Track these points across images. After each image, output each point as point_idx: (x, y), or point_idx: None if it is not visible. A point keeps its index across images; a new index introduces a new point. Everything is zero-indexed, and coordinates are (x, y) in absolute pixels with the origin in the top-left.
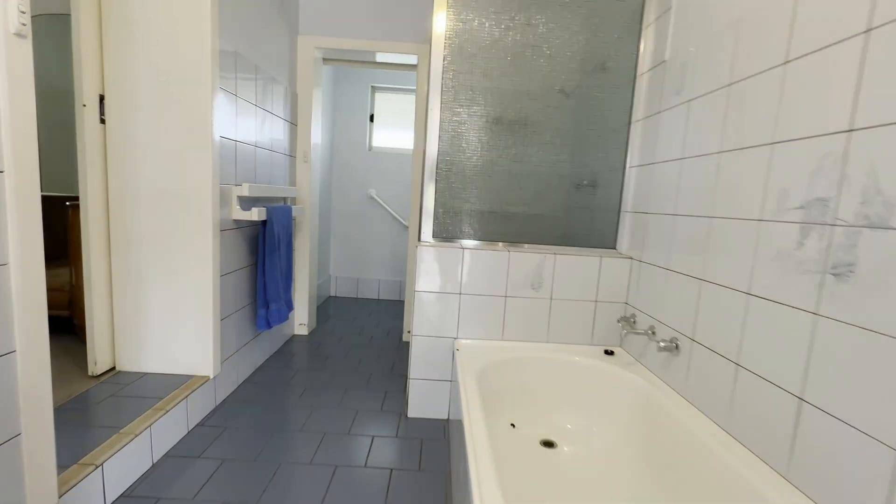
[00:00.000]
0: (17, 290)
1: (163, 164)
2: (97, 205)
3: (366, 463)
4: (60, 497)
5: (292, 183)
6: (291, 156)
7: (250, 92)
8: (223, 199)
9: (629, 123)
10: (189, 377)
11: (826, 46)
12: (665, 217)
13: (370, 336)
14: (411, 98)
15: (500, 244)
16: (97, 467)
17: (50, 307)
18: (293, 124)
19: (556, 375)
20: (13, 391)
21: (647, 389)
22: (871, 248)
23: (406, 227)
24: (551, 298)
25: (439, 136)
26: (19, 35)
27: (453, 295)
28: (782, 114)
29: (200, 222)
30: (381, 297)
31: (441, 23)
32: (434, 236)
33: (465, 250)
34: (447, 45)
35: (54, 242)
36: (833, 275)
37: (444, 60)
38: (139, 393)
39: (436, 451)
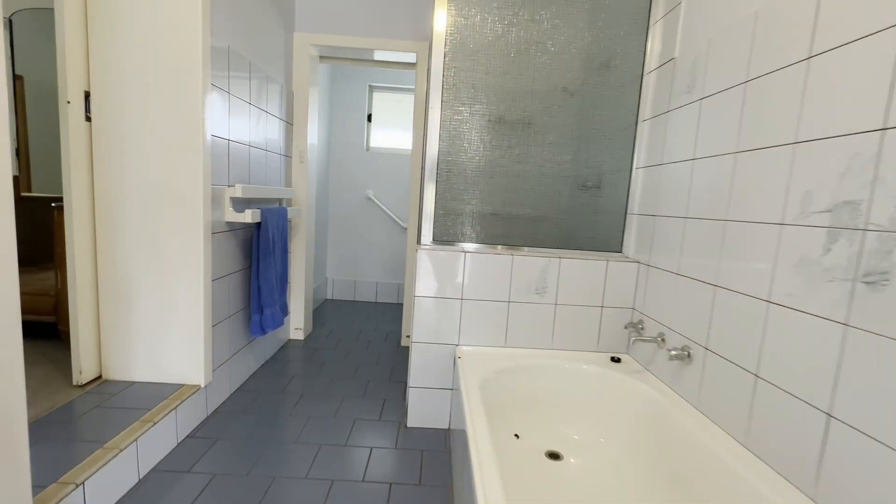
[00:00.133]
0: None
1: (151, 163)
2: (83, 206)
3: (364, 477)
4: None
5: (288, 184)
6: (287, 156)
7: (244, 89)
8: (215, 201)
9: (636, 123)
10: (179, 386)
11: (856, 40)
12: (675, 220)
13: (368, 340)
14: (409, 98)
15: (503, 247)
16: (78, 486)
17: (35, 312)
18: (289, 123)
19: (562, 384)
20: None
21: (658, 399)
22: None
23: (404, 229)
24: (556, 304)
25: (440, 136)
26: None
27: (454, 300)
28: (806, 112)
29: (191, 224)
30: (378, 300)
31: (442, 18)
32: (434, 239)
33: (467, 254)
34: (448, 41)
35: (41, 245)
36: (865, 283)
37: (444, 57)
38: (126, 403)
39: (437, 463)
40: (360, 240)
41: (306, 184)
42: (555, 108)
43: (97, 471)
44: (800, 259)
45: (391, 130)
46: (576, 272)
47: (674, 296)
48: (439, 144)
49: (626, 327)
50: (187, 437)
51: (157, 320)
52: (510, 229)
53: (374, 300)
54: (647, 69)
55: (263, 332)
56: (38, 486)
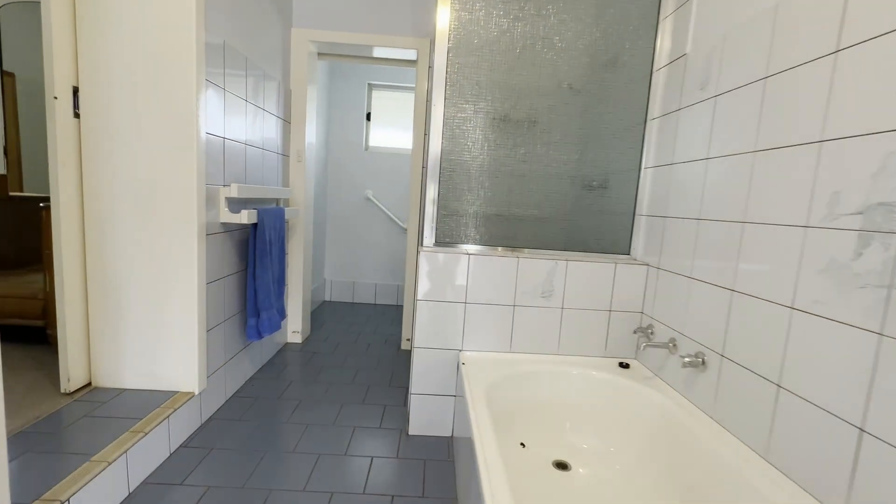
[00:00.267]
0: None
1: (143, 162)
2: (71, 206)
3: (364, 489)
4: None
5: (285, 183)
6: (285, 155)
7: (240, 86)
8: (210, 201)
9: (644, 121)
10: (172, 393)
11: (890, 31)
12: (687, 221)
13: (367, 344)
14: (409, 96)
15: (508, 249)
16: (63, 503)
17: (23, 316)
18: (286, 122)
19: (570, 391)
20: None
21: (671, 408)
22: None
23: (404, 230)
24: (563, 308)
25: (443, 134)
26: None
27: (458, 304)
28: (833, 109)
29: (184, 226)
30: (377, 302)
31: (445, 13)
32: (437, 241)
33: (471, 256)
34: (451, 36)
35: (31, 246)
36: None
37: (448, 53)
38: (116, 412)
39: (440, 473)
40: (359, 241)
41: (304, 184)
42: (561, 105)
43: (84, 486)
44: (827, 264)
45: (390, 129)
46: (583, 275)
47: (686, 300)
48: (442, 143)
49: (635, 332)
50: (181, 446)
51: (149, 325)
52: (514, 231)
53: (372, 302)
54: (656, 66)
55: (260, 336)
56: None
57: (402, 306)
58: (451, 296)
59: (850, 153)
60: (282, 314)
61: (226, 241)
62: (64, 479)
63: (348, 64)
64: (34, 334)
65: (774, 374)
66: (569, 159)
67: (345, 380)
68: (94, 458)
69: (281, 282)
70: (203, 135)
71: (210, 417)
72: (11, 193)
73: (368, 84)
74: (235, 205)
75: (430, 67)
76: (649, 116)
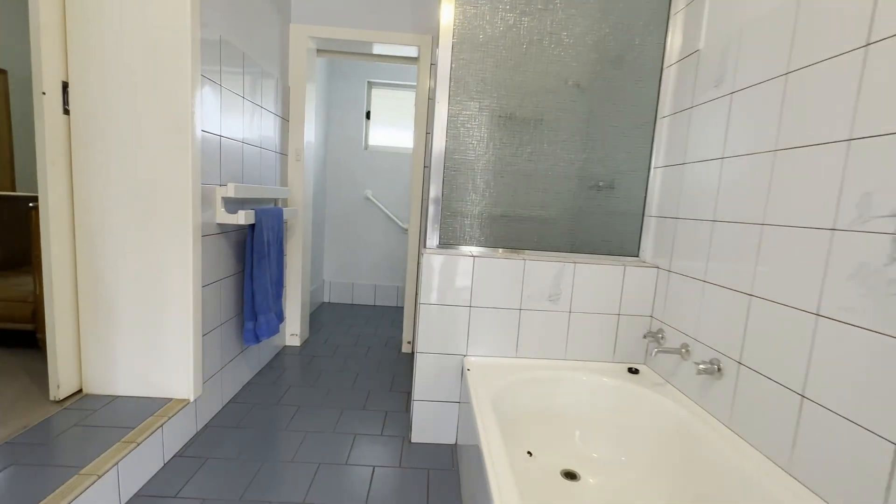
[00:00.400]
0: None
1: (136, 160)
2: (60, 206)
3: (366, 500)
4: None
5: (284, 183)
6: (283, 154)
7: (237, 83)
8: (205, 201)
9: (654, 120)
10: (166, 401)
11: None
12: (701, 223)
13: (367, 347)
14: (409, 95)
15: (514, 251)
16: None
17: (12, 320)
18: (285, 120)
19: (580, 398)
20: None
21: (684, 416)
22: None
23: (403, 230)
24: (570, 311)
25: (447, 133)
26: None
27: (462, 308)
28: (863, 105)
29: (179, 226)
30: (377, 304)
31: (450, 8)
32: (440, 243)
33: (475, 258)
34: (456, 32)
35: (21, 247)
36: None
37: (452, 49)
38: (107, 421)
39: (445, 483)
40: (359, 241)
41: (303, 183)
42: (567, 103)
43: (72, 501)
44: (857, 269)
45: (390, 128)
46: (591, 278)
47: (699, 304)
48: (446, 142)
49: (644, 336)
50: (175, 456)
51: (143, 330)
52: (520, 232)
53: (372, 303)
54: (666, 62)
55: (258, 340)
56: None
57: (402, 308)
58: (454, 299)
59: (884, 152)
60: (280, 317)
61: (222, 243)
62: (51, 493)
63: (347, 62)
64: (24, 339)
65: (798, 384)
66: (576, 158)
67: (345, 384)
68: (83, 472)
69: (279, 284)
70: (199, 133)
71: (206, 425)
72: (2, 193)
73: (368, 82)
74: (232, 205)
75: (433, 65)
76: (659, 114)
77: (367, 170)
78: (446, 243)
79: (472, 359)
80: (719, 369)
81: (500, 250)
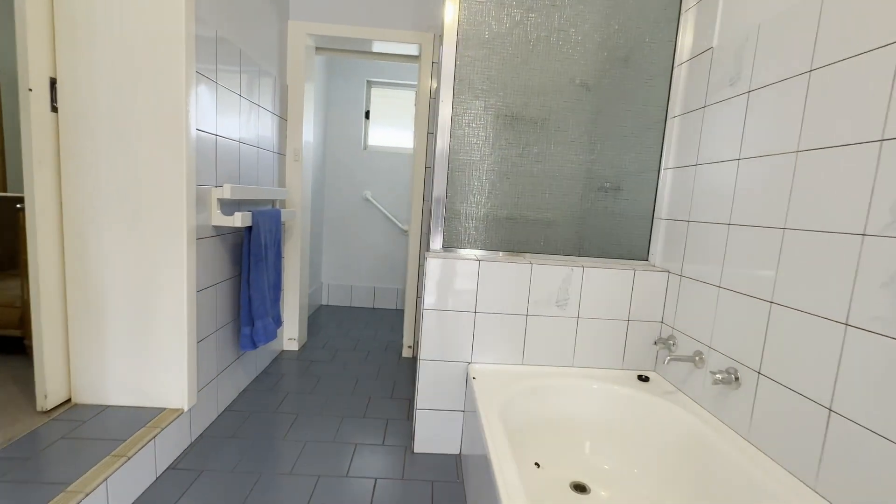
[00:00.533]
0: None
1: (128, 160)
2: (48, 207)
3: None
4: None
5: (281, 184)
6: (281, 154)
7: (234, 81)
8: (200, 203)
9: (664, 120)
10: (159, 410)
11: None
12: (715, 226)
13: (367, 351)
14: (409, 94)
15: (520, 255)
16: None
17: None
18: (283, 119)
19: (590, 407)
20: None
21: (700, 427)
22: None
23: (404, 232)
24: (578, 317)
25: (451, 133)
26: None
27: (467, 313)
28: None
29: (172, 229)
30: (376, 306)
31: (454, 3)
32: (444, 245)
33: (481, 262)
34: (461, 29)
35: (9, 250)
36: None
37: (457, 46)
38: (97, 433)
39: (449, 495)
40: (357, 243)
41: (301, 184)
42: (575, 103)
43: None
44: (891, 277)
45: (390, 128)
46: (600, 282)
47: (714, 310)
48: (450, 142)
49: (655, 343)
50: (168, 468)
51: (135, 336)
52: (527, 235)
53: (371, 306)
54: (677, 61)
55: (255, 346)
56: None
57: (401, 311)
58: (459, 304)
59: None
60: (277, 322)
61: (218, 246)
62: None
63: (347, 60)
64: (12, 345)
65: (824, 397)
66: (583, 159)
67: (344, 391)
68: (70, 489)
69: (277, 288)
70: (193, 131)
71: (200, 435)
72: None
73: (367, 81)
74: (228, 207)
75: (435, 63)
76: (669, 114)
77: (367, 170)
78: (450, 246)
79: (477, 366)
80: (736, 379)
81: (506, 254)
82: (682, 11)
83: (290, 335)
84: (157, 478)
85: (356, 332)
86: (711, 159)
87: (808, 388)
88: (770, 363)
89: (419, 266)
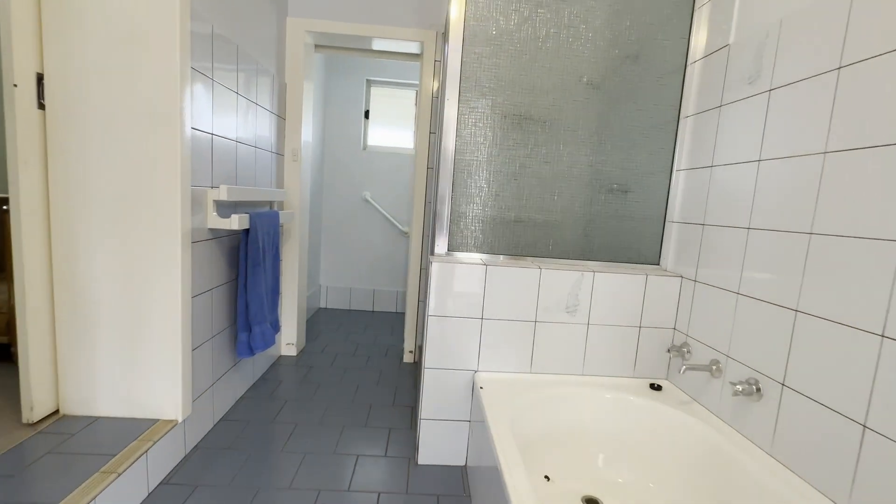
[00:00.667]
0: None
1: (119, 161)
2: (34, 209)
3: None
4: None
5: (280, 184)
6: (279, 154)
7: (231, 78)
8: (196, 204)
9: (677, 119)
10: (152, 422)
11: None
12: (733, 230)
13: (367, 356)
14: (409, 93)
15: (529, 259)
16: None
17: None
18: (281, 118)
19: (603, 417)
20: None
21: (719, 440)
22: None
23: (403, 233)
24: (588, 323)
25: (457, 133)
26: None
27: (473, 320)
28: None
29: (167, 232)
30: (375, 309)
31: (460, 1)
32: (450, 249)
33: (488, 266)
34: (467, 26)
35: None
36: None
37: (463, 43)
38: (86, 447)
39: None
40: (356, 244)
41: (300, 185)
42: (585, 102)
43: None
44: None
45: (390, 128)
46: (611, 287)
47: (732, 318)
48: (456, 142)
49: (668, 351)
50: (161, 483)
51: (127, 344)
52: (535, 238)
53: (370, 309)
54: (690, 58)
55: (252, 353)
56: None
57: (401, 314)
58: (465, 311)
59: None
60: (276, 327)
61: (214, 249)
62: None
63: (346, 59)
64: None
65: (858, 413)
66: (593, 160)
67: (344, 398)
68: None
69: (275, 292)
70: (188, 130)
71: (195, 446)
72: None
73: (367, 80)
74: (225, 208)
75: (437, 61)
76: (682, 114)
77: (366, 171)
78: (455, 250)
79: (484, 375)
80: (758, 390)
81: (513, 258)
82: (695, 8)
83: (289, 340)
84: (148, 494)
85: (356, 336)
86: (729, 160)
87: (840, 402)
88: (795, 375)
89: (421, 269)
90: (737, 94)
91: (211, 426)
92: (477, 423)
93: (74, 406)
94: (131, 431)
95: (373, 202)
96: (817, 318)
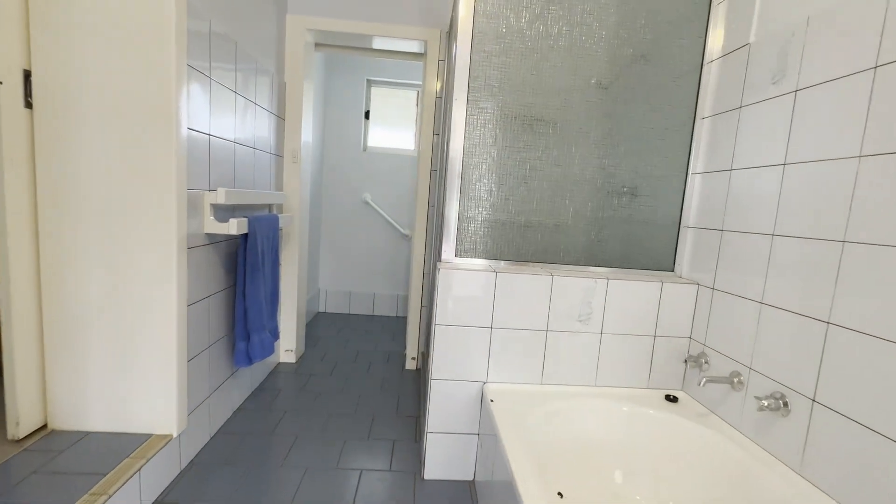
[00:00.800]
0: None
1: (111, 162)
2: (21, 213)
3: None
4: None
5: (279, 187)
6: (279, 155)
7: (229, 76)
8: (192, 208)
9: (693, 121)
10: (145, 437)
11: None
12: (755, 237)
13: (368, 363)
14: (410, 93)
15: (540, 266)
16: None
17: None
18: (280, 118)
19: (618, 430)
20: None
21: (743, 457)
22: None
23: (404, 236)
24: (602, 332)
25: (465, 134)
26: None
27: (482, 329)
28: None
29: (161, 238)
30: (375, 314)
31: None
32: (457, 255)
33: (498, 274)
34: (476, 23)
35: None
36: None
37: (472, 40)
38: (75, 465)
39: None
40: (356, 248)
41: (299, 187)
42: (598, 102)
43: None
44: None
45: (390, 129)
46: (625, 295)
47: (755, 328)
48: (464, 144)
49: (685, 361)
50: (154, 502)
51: (119, 355)
52: (546, 243)
53: (370, 313)
54: (707, 58)
55: (250, 362)
56: None
57: (402, 318)
58: (473, 319)
59: None
60: (275, 335)
61: (211, 255)
62: None
63: (346, 59)
64: None
65: None
66: (606, 163)
67: (346, 408)
68: None
69: (274, 299)
70: (184, 130)
71: (191, 462)
72: None
73: (367, 80)
74: (222, 212)
75: (441, 61)
76: (698, 115)
77: (366, 172)
78: (463, 256)
79: (493, 386)
80: (785, 405)
81: (523, 264)
82: (712, 5)
83: (288, 346)
84: None
85: (356, 341)
86: (750, 164)
87: (879, 421)
88: (827, 390)
89: (424, 274)
90: (759, 94)
91: (207, 440)
92: (486, 437)
93: (63, 421)
94: (123, 448)
95: (373, 204)
96: (852, 332)
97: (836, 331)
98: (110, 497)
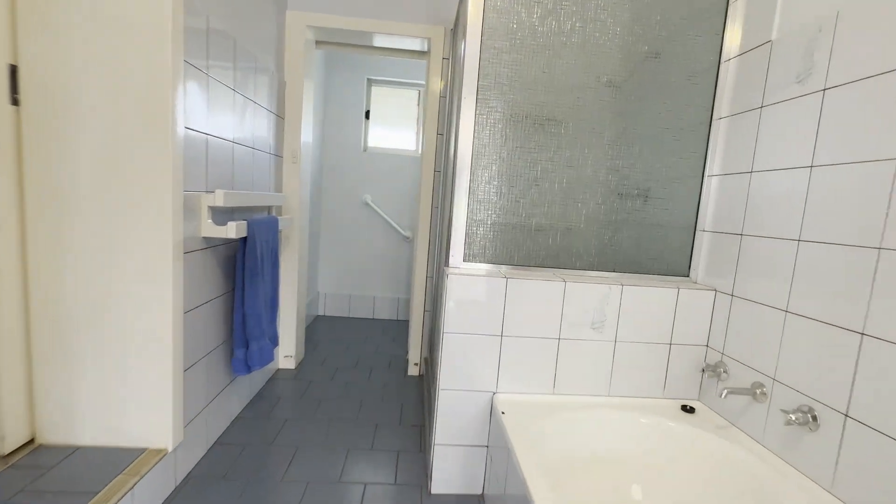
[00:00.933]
0: None
1: (104, 163)
2: (7, 217)
3: None
4: None
5: (278, 188)
6: (278, 155)
7: (227, 73)
8: (189, 211)
9: (709, 121)
10: (139, 452)
11: None
12: (779, 242)
13: (369, 368)
14: (411, 93)
15: (552, 271)
16: None
17: None
18: (280, 118)
19: (635, 443)
20: None
21: (770, 474)
22: None
23: (405, 238)
24: (616, 340)
25: (474, 134)
26: None
27: (492, 337)
28: None
29: (156, 242)
30: (376, 317)
31: None
32: (466, 260)
33: (509, 279)
34: (486, 18)
35: None
36: None
37: (481, 36)
38: (65, 483)
39: None
40: (356, 250)
41: (299, 188)
42: (611, 102)
43: None
44: None
45: (391, 129)
46: (640, 301)
47: (779, 338)
48: (473, 145)
49: (702, 371)
50: None
51: (111, 365)
52: (558, 248)
53: (371, 317)
54: (725, 56)
55: (249, 370)
56: None
57: (403, 321)
58: (483, 327)
59: None
60: (274, 342)
61: (208, 259)
62: None
63: (346, 57)
64: None
65: None
66: (620, 165)
67: (348, 416)
68: None
69: (274, 305)
70: (181, 130)
71: (186, 476)
72: None
73: (368, 79)
74: (220, 215)
75: (445, 59)
76: (715, 116)
77: (366, 173)
78: (472, 261)
79: (503, 396)
80: (814, 419)
81: (534, 269)
82: (730, 2)
83: (287, 352)
84: None
85: (356, 346)
86: (772, 166)
87: None
88: (862, 405)
89: (427, 277)
90: (782, 94)
91: (204, 452)
92: (496, 449)
93: (52, 434)
94: (116, 463)
95: (373, 206)
96: (891, 343)
97: (872, 342)
98: None
